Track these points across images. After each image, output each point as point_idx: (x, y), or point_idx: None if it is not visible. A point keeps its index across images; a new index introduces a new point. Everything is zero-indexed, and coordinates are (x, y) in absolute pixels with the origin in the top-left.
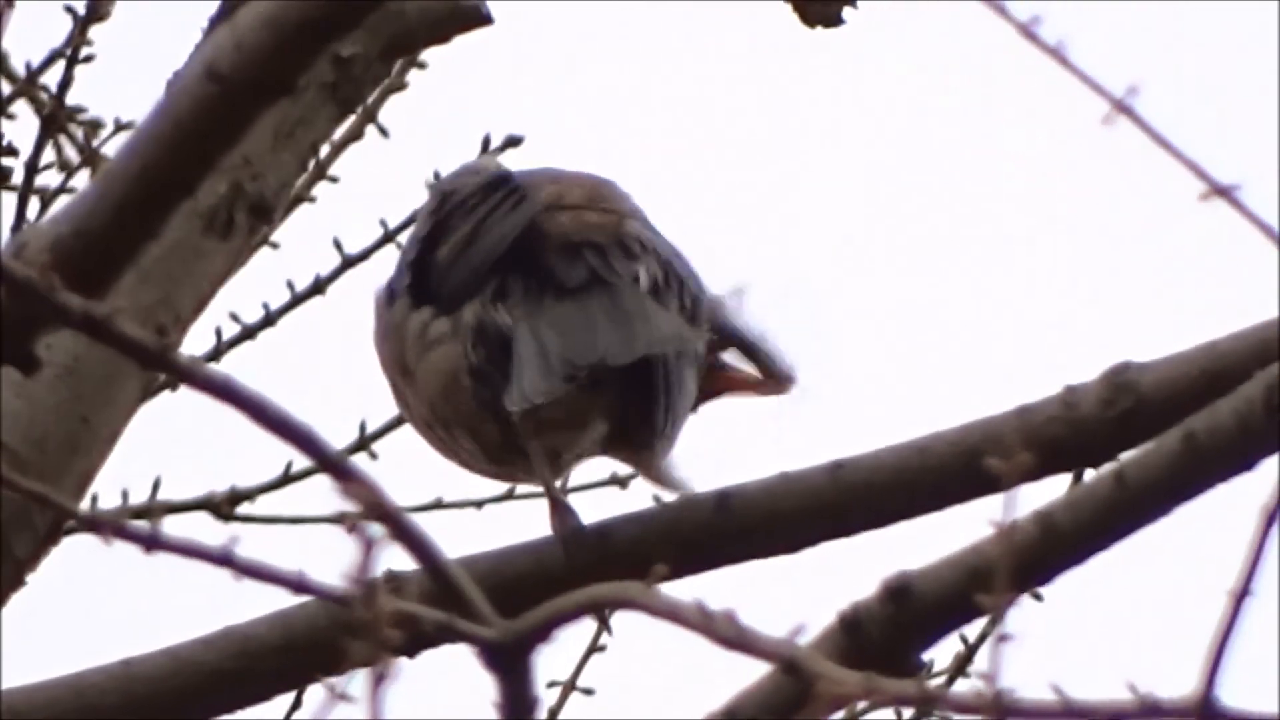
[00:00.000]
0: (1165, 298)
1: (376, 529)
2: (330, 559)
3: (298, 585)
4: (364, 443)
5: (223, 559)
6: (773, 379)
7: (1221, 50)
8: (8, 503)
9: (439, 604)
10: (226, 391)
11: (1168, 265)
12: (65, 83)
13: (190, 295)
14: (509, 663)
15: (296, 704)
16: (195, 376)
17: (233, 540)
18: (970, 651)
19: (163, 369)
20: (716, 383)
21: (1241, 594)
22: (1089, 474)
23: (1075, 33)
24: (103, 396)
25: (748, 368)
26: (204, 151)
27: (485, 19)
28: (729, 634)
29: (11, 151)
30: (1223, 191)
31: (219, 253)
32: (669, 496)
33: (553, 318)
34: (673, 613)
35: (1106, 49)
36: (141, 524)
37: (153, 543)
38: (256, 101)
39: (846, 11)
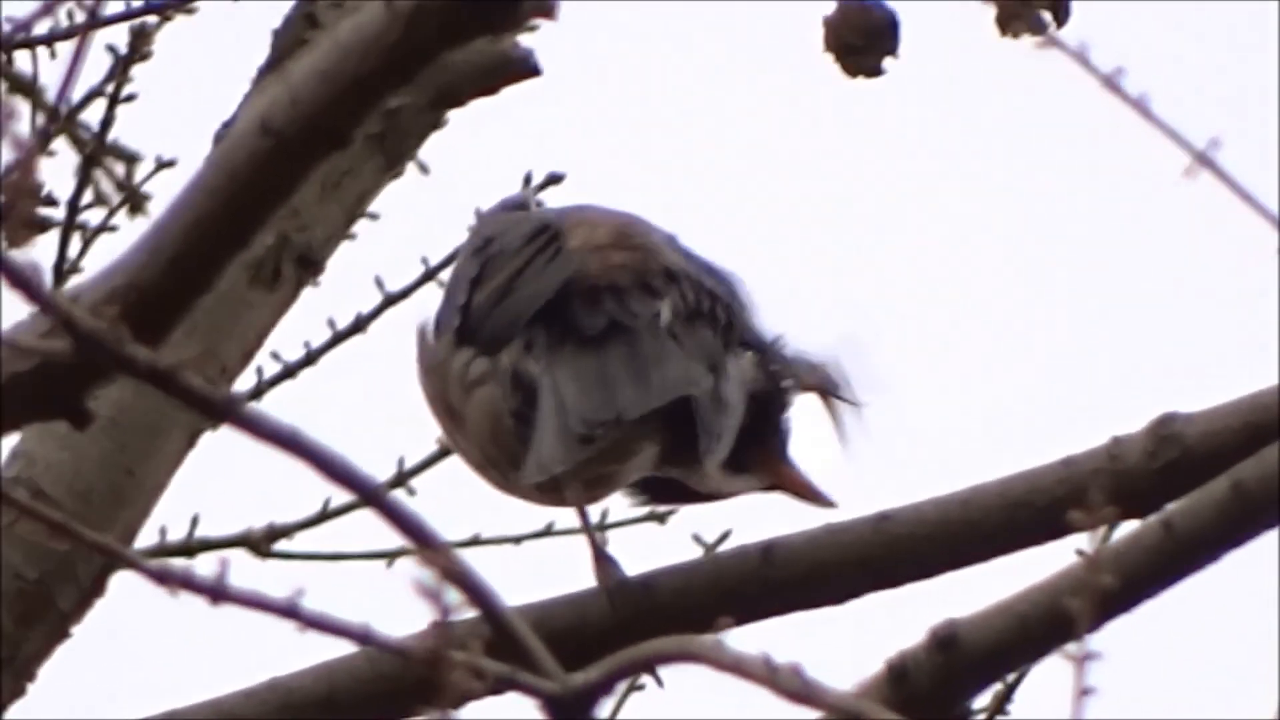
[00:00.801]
0: (1226, 351)
1: (447, 588)
2: (369, 597)
3: (363, 638)
4: (402, 478)
5: (288, 611)
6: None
7: None
8: (51, 556)
9: (499, 656)
10: (294, 444)
11: (1237, 319)
12: (106, 121)
13: (236, 347)
14: (571, 716)
15: None
16: (262, 429)
17: (298, 592)
18: (1009, 691)
19: (229, 422)
20: (776, 476)
21: None
22: (1135, 524)
23: (1156, 83)
24: (148, 448)
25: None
26: (258, 205)
27: (534, 70)
28: (794, 687)
29: (51, 202)
30: None
31: (265, 304)
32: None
33: (572, 371)
34: (738, 666)
35: (1187, 99)
36: (207, 576)
37: (219, 594)
38: (311, 155)
39: (887, 62)
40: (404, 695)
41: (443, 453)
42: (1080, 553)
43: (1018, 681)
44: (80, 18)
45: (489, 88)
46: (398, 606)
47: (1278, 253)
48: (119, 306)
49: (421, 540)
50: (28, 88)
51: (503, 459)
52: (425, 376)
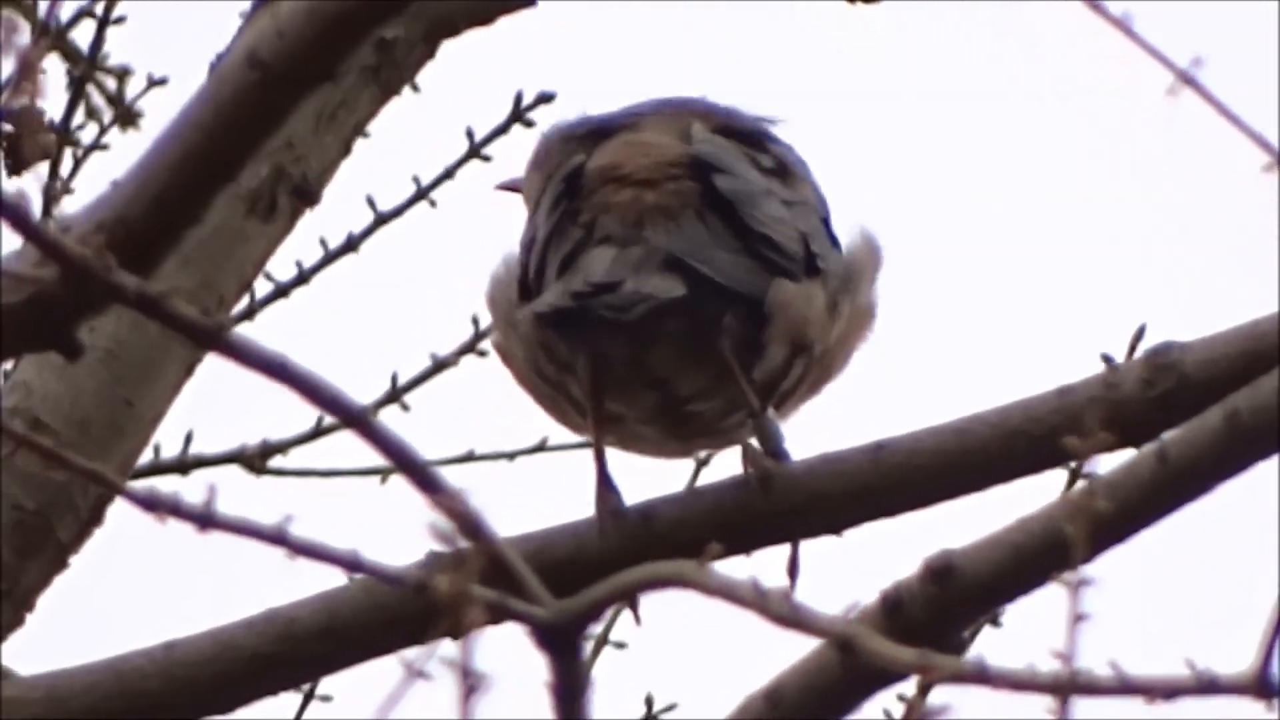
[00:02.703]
0: (1217, 276)
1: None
2: (364, 512)
3: (352, 564)
4: (396, 394)
5: (277, 538)
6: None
7: None
8: (49, 486)
9: (492, 584)
10: (283, 372)
11: (1226, 240)
12: (96, 42)
13: (233, 278)
14: (562, 643)
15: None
16: (251, 356)
17: (287, 518)
18: (994, 623)
19: (218, 349)
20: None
21: None
22: (1130, 453)
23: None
24: (145, 379)
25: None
26: (246, 138)
27: (528, 1)
28: (784, 612)
29: (54, 128)
30: None
31: (261, 236)
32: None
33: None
34: (727, 592)
35: (1171, 20)
36: (195, 503)
37: (207, 521)
38: (298, 89)
39: None
40: (402, 625)
41: (436, 369)
42: (1075, 478)
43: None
44: None
45: (483, 19)
46: (392, 523)
47: (1268, 171)
48: (105, 239)
49: (408, 465)
50: (18, 2)
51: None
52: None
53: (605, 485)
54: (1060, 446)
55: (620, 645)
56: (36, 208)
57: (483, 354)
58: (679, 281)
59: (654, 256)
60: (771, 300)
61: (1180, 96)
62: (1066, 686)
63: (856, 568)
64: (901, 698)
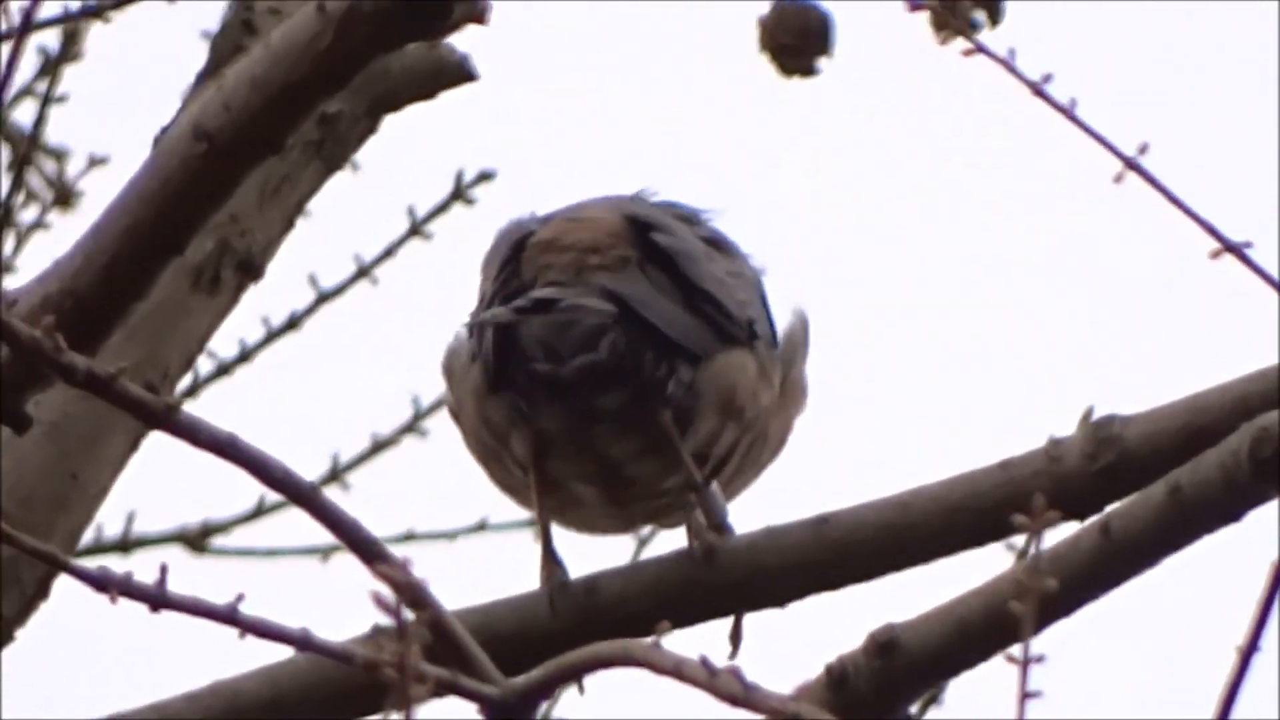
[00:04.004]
0: (1162, 352)
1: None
2: (306, 591)
3: (302, 643)
4: (336, 474)
5: (228, 617)
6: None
7: (1231, 109)
8: None
9: (440, 660)
10: (232, 450)
11: (1170, 321)
12: (39, 120)
13: (178, 352)
14: (511, 719)
15: None
16: (201, 435)
17: (239, 598)
18: (933, 697)
19: (168, 429)
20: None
21: (1249, 649)
22: (1074, 526)
23: (1085, 89)
24: (91, 452)
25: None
26: (193, 210)
27: (470, 75)
28: (734, 691)
29: None
30: (1233, 249)
31: (206, 310)
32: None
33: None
34: (677, 669)
35: (1117, 104)
36: (147, 583)
37: (159, 601)
38: (245, 161)
39: (822, 62)
40: (348, 697)
41: (376, 448)
42: (1020, 555)
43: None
44: (14, 19)
45: (425, 93)
46: (335, 602)
47: (1215, 258)
48: (54, 313)
49: (356, 540)
50: None
51: (496, 452)
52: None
53: (550, 558)
54: (1004, 520)
55: None
56: None
57: (423, 434)
58: (605, 303)
59: (594, 290)
60: (703, 365)
61: (1125, 182)
62: None
63: (800, 640)
64: None
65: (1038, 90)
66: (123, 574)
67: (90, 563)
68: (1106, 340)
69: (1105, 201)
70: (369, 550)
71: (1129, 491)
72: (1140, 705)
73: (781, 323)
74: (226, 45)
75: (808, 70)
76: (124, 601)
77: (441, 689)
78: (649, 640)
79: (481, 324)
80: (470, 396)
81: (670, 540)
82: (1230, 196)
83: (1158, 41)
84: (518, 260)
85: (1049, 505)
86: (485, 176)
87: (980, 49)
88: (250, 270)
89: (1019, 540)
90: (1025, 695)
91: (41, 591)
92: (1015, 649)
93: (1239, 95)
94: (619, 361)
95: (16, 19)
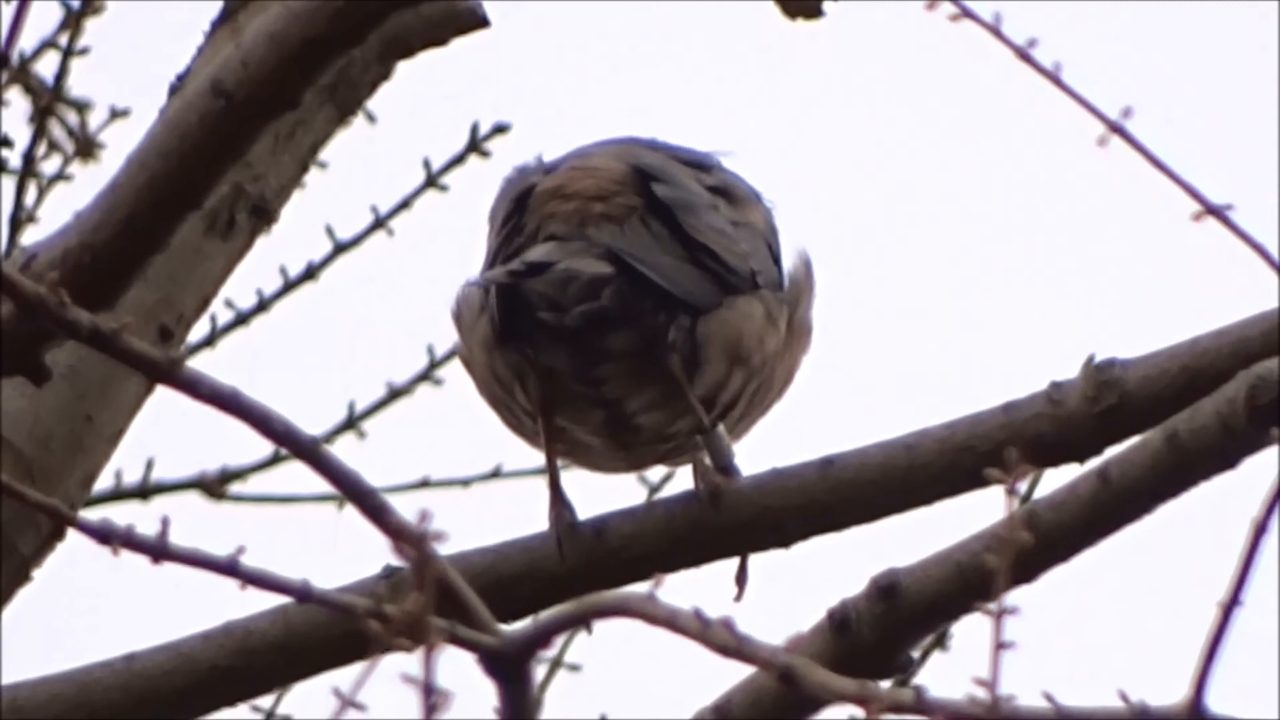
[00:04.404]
0: (1153, 309)
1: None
2: (320, 535)
3: (303, 594)
4: (352, 422)
5: (229, 569)
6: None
7: (1217, 69)
8: (12, 504)
9: (440, 609)
10: (234, 404)
11: (1155, 281)
12: (60, 72)
13: (193, 296)
14: (511, 670)
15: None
16: (203, 389)
17: (238, 549)
18: (939, 641)
19: (170, 383)
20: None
21: (1231, 604)
22: (1073, 470)
23: (1071, 53)
24: (106, 396)
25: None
26: (210, 165)
27: (482, 21)
28: (727, 642)
29: (6, 143)
30: (1215, 211)
31: (221, 253)
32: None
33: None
34: (672, 621)
35: (1102, 66)
36: (149, 535)
37: (160, 552)
38: (262, 116)
39: (826, 4)
40: (357, 638)
41: (392, 396)
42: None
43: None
44: None
45: (437, 39)
46: (351, 545)
47: (1197, 219)
48: (68, 266)
49: (358, 494)
50: None
51: (507, 398)
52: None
53: (559, 500)
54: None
55: (574, 668)
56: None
57: (438, 382)
58: (603, 263)
59: (593, 249)
60: (708, 315)
61: (1110, 145)
62: (1005, 717)
63: (804, 580)
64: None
65: (1023, 54)
66: (124, 527)
67: (111, 509)
68: (1107, 292)
69: (1092, 164)
70: (369, 502)
71: (1129, 434)
72: (1129, 657)
73: (787, 263)
74: None
75: (813, 12)
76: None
77: (440, 639)
78: (645, 590)
79: (483, 284)
80: (479, 347)
81: (678, 483)
82: (1221, 159)
83: (1144, 10)
84: (521, 212)
85: (1049, 448)
86: (500, 129)
87: (967, 13)
88: (264, 214)
89: (1020, 485)
90: (1000, 647)
91: (57, 532)
92: (992, 603)
93: (1227, 60)
94: (623, 306)
95: None
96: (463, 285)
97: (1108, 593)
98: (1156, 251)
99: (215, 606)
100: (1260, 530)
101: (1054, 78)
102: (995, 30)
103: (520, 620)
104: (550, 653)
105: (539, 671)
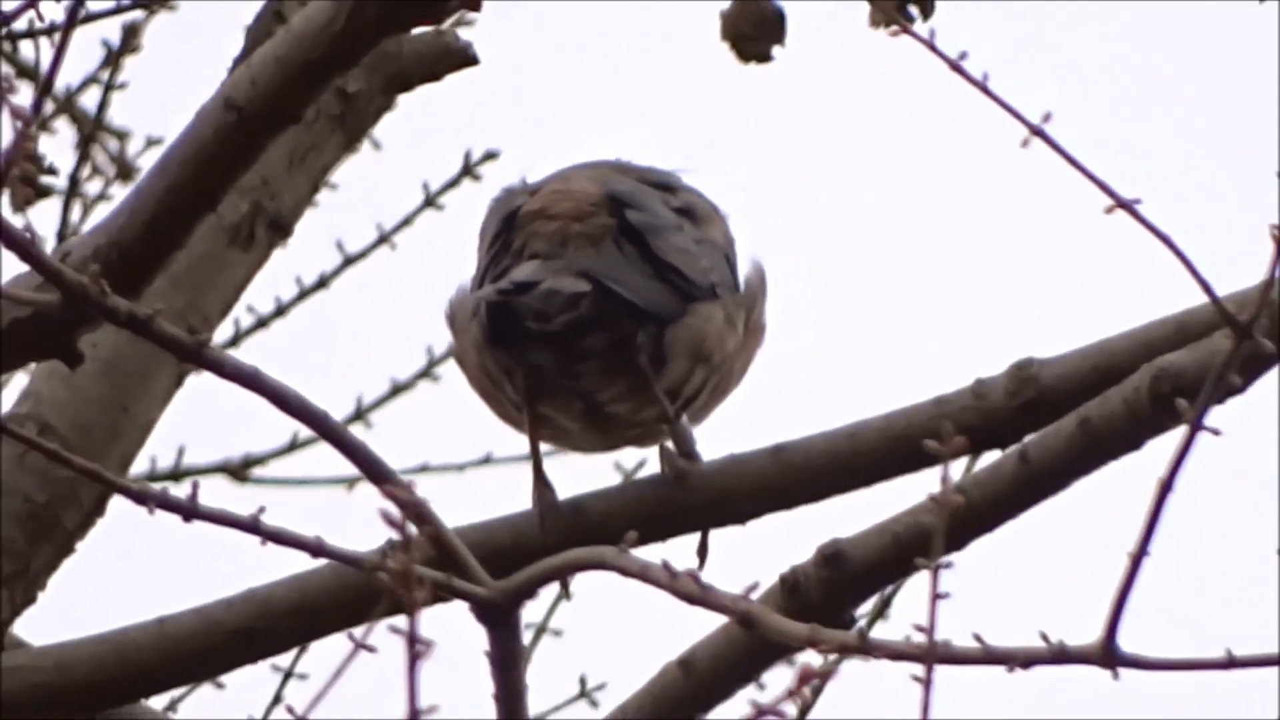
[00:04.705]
0: (1070, 301)
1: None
2: (332, 516)
3: (316, 549)
4: (360, 413)
5: (251, 526)
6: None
7: (1129, 77)
8: (57, 481)
9: (438, 567)
10: (255, 382)
11: (1075, 271)
12: (102, 104)
13: (217, 300)
14: (500, 618)
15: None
16: (227, 369)
17: (259, 509)
18: (885, 603)
19: (198, 363)
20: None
21: (1139, 555)
22: (997, 454)
23: (999, 61)
24: (140, 388)
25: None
26: (224, 172)
27: (473, 60)
28: (692, 591)
29: (52, 171)
30: (1125, 205)
31: (242, 264)
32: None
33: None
34: (643, 572)
35: (1026, 72)
36: (181, 495)
37: (191, 512)
38: (268, 129)
39: (775, 49)
40: (367, 602)
41: (395, 391)
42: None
43: (893, 594)
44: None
45: (434, 75)
46: (358, 524)
47: (1109, 213)
48: (103, 262)
49: (368, 466)
50: (31, 72)
51: (495, 391)
52: (457, 338)
53: (541, 482)
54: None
55: (557, 633)
56: (47, 245)
57: (436, 379)
58: (583, 281)
59: (572, 267)
60: (676, 321)
61: (1032, 147)
62: (936, 655)
63: (759, 553)
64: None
65: (955, 66)
66: (159, 489)
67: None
68: (1029, 290)
69: (1015, 165)
70: (377, 470)
71: (1046, 424)
72: (1053, 607)
73: (743, 270)
74: (261, 33)
75: (764, 56)
76: (160, 517)
77: (437, 590)
78: (619, 547)
79: (477, 302)
80: (471, 347)
81: (648, 467)
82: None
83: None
84: (509, 230)
85: (975, 435)
86: (490, 155)
87: (905, 30)
88: (280, 228)
89: (954, 456)
90: (936, 597)
91: (98, 508)
92: (931, 559)
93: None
94: (599, 314)
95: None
96: (456, 291)
97: (1033, 557)
98: (1079, 252)
99: (238, 575)
100: (1164, 490)
101: (982, 86)
102: (929, 44)
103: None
104: (536, 600)
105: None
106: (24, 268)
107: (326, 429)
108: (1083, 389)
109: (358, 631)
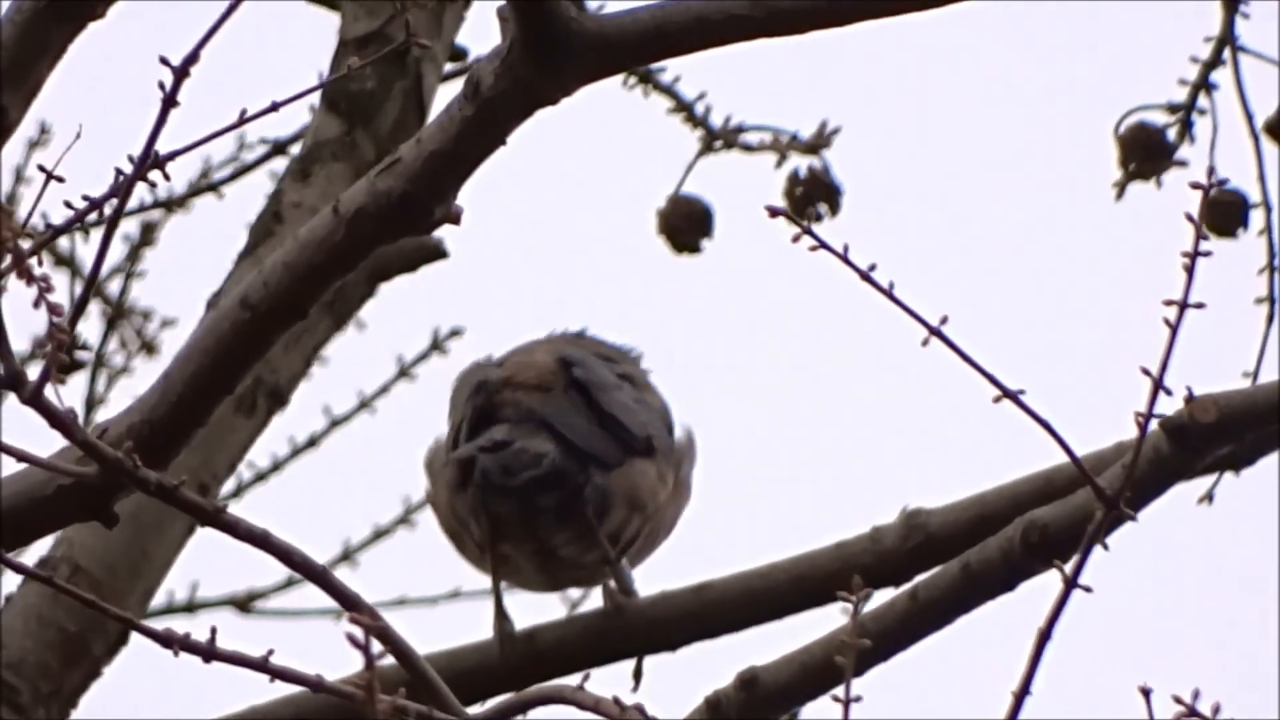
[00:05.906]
0: (960, 461)
1: (375, 644)
2: (325, 644)
3: (317, 685)
4: (347, 554)
5: (261, 665)
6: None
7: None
8: (87, 614)
9: (417, 695)
10: (265, 543)
11: (963, 440)
12: (124, 290)
13: (224, 459)
14: None
15: None
16: (240, 531)
17: (269, 651)
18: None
19: (217, 526)
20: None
21: (1022, 693)
22: (891, 592)
23: (899, 263)
24: (158, 535)
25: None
26: (240, 362)
27: (444, 254)
28: None
29: (85, 348)
30: (1010, 395)
31: (245, 428)
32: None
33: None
34: (596, 706)
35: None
36: (200, 639)
37: (210, 653)
38: (279, 325)
39: (704, 242)
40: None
41: (376, 536)
42: (851, 617)
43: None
44: (108, 210)
45: (410, 267)
46: (344, 651)
47: (997, 402)
48: (136, 438)
49: (358, 609)
50: (68, 262)
51: (461, 529)
52: (431, 481)
53: (501, 613)
54: (839, 587)
55: None
56: (80, 418)
57: (412, 525)
58: (549, 442)
59: (533, 421)
60: (615, 471)
61: (931, 345)
62: None
63: (687, 677)
64: None
65: (865, 276)
66: (183, 633)
67: (164, 620)
68: (922, 452)
69: (917, 357)
70: (367, 616)
71: (933, 565)
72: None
73: (676, 434)
74: (261, 230)
75: (694, 248)
76: (181, 657)
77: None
78: (575, 683)
79: (459, 457)
80: (444, 489)
81: (592, 601)
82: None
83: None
84: (482, 394)
85: (871, 575)
86: (455, 332)
87: (822, 245)
88: (278, 398)
89: (850, 605)
90: None
91: (123, 638)
92: (839, 690)
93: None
94: (555, 474)
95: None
96: (433, 441)
97: (920, 688)
98: (966, 419)
99: (239, 698)
100: (1044, 637)
101: (887, 293)
102: (844, 258)
103: (472, 706)
104: None
105: None
106: (61, 442)
107: (325, 581)
108: (966, 534)
109: None
